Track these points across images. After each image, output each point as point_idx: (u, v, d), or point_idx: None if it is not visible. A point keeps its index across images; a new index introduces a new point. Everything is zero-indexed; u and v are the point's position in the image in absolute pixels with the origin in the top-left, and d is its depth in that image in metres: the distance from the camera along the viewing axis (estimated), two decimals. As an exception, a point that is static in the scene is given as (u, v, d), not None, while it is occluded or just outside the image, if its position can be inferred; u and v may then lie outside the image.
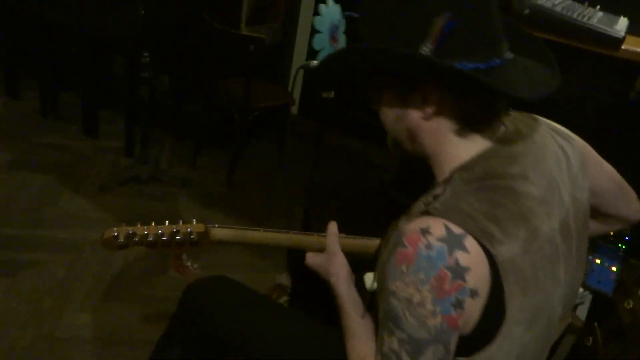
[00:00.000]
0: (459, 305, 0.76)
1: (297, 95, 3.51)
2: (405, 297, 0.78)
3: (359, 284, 1.14)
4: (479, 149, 0.87)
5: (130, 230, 1.14)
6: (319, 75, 0.96)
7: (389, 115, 0.92)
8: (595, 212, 1.07)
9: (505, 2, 1.66)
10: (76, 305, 1.97)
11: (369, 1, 0.88)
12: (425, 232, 0.78)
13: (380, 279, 0.86)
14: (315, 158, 1.46)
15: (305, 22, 3.44)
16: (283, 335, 1.17)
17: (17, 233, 2.30)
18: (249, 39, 2.66)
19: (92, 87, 3.19)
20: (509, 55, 0.87)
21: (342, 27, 1.78)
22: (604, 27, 1.67)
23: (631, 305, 0.96)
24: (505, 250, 0.79)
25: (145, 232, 1.14)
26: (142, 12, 2.53)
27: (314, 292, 1.23)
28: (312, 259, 1.13)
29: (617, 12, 1.85)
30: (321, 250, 1.14)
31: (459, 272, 0.76)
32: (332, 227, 1.16)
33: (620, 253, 1.70)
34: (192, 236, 1.16)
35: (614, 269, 1.67)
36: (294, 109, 3.57)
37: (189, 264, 1.30)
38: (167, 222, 1.17)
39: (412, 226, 0.80)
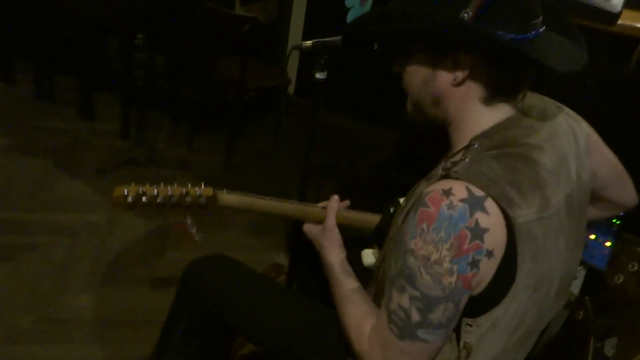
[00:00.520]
0: (475, 265, 0.78)
1: (293, 74, 3.49)
2: (423, 254, 0.80)
3: (356, 260, 1.16)
4: (500, 118, 0.89)
5: (140, 189, 1.11)
6: (356, 33, 0.96)
7: (416, 77, 0.92)
8: (592, 196, 1.07)
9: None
10: (76, 288, 1.98)
11: None
12: (447, 193, 0.79)
13: (396, 240, 0.88)
14: (310, 139, 1.45)
15: (300, 1, 3.41)
16: (282, 313, 1.18)
17: (15, 217, 2.31)
18: (243, 18, 2.64)
19: (87, 69, 3.17)
20: (542, 29, 0.88)
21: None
22: (600, 2, 1.65)
23: (621, 280, 0.96)
24: (523, 215, 0.81)
25: (155, 193, 1.11)
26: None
27: (314, 273, 1.24)
28: (308, 227, 1.20)
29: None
30: (321, 222, 1.17)
31: (478, 232, 0.77)
32: (333, 202, 1.18)
33: (614, 228, 1.71)
34: (200, 199, 1.13)
35: (607, 244, 1.69)
36: (291, 89, 3.56)
37: (194, 230, 1.28)
38: (175, 183, 1.14)
39: (434, 187, 0.82)
